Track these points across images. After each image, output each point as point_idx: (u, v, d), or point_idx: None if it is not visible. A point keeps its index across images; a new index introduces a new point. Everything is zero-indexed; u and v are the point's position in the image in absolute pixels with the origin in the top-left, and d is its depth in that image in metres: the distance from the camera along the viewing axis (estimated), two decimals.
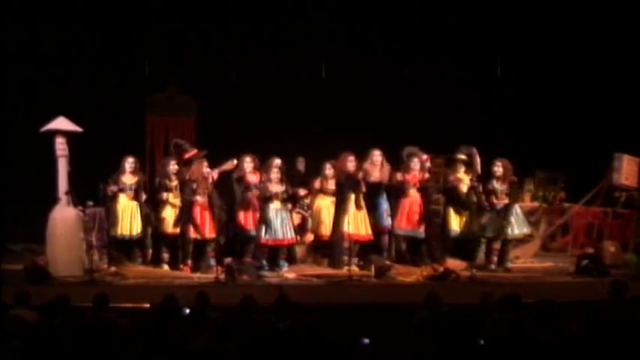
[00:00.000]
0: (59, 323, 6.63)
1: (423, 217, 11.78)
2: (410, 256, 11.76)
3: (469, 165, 11.91)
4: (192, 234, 11.45)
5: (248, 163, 11.69)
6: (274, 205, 11.56)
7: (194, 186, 11.44)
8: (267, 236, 11.51)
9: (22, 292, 7.75)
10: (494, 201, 11.70)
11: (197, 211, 11.48)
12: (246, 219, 11.69)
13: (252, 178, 11.69)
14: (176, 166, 11.71)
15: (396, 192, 11.81)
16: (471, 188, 11.81)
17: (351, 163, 11.71)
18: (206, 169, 11.47)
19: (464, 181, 11.82)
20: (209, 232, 11.50)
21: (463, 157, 11.90)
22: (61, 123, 11.46)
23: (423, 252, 11.79)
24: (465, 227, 11.82)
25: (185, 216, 11.48)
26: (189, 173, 11.57)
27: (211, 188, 11.52)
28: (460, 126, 14.08)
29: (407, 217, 11.76)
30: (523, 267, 12.02)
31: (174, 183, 11.67)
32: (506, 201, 11.69)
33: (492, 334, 6.27)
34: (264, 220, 11.51)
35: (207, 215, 11.52)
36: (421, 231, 11.79)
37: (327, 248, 12.05)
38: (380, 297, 10.18)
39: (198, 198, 11.45)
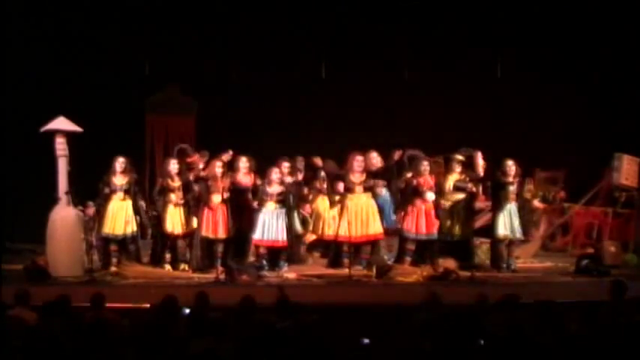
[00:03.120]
0: (59, 323, 6.63)
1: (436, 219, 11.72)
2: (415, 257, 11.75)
3: (466, 167, 11.86)
4: (204, 233, 11.45)
5: (244, 163, 11.67)
6: (270, 207, 11.54)
7: (209, 182, 11.42)
8: (260, 237, 11.49)
9: (22, 292, 7.75)
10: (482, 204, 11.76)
11: (209, 210, 11.47)
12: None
13: (246, 179, 11.66)
14: (177, 166, 11.71)
15: (405, 195, 11.75)
16: (460, 189, 11.79)
17: (357, 162, 11.69)
18: (219, 169, 11.45)
19: (453, 183, 11.77)
20: (221, 232, 11.48)
21: (460, 157, 11.86)
22: (61, 123, 11.46)
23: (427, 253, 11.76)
24: (459, 229, 11.82)
25: (197, 215, 11.52)
26: (196, 174, 11.56)
27: (227, 187, 11.49)
28: (460, 126, 14.09)
29: (424, 222, 11.60)
30: (523, 267, 12.01)
31: (177, 184, 11.67)
32: (514, 200, 11.64)
33: (492, 334, 6.27)
34: (258, 221, 11.49)
35: (219, 215, 11.50)
36: (435, 234, 11.67)
37: (326, 248, 12.09)
38: (380, 297, 10.16)
39: (213, 198, 11.44)
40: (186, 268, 11.55)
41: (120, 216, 11.56)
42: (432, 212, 11.63)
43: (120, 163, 11.61)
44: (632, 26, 14.08)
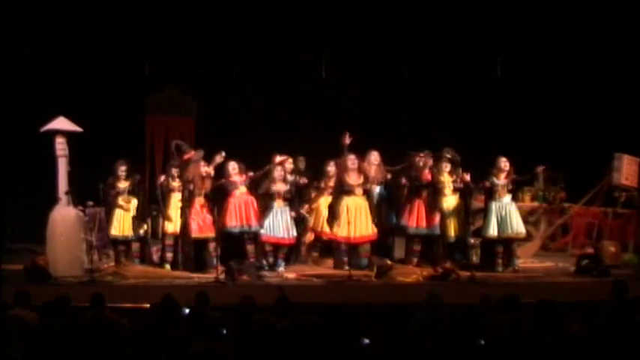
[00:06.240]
0: (59, 323, 6.63)
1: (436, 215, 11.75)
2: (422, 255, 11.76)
3: (454, 166, 11.85)
4: (193, 234, 11.45)
5: (233, 167, 11.67)
6: (277, 204, 11.56)
7: (191, 187, 11.44)
8: (267, 234, 11.50)
9: (22, 292, 7.75)
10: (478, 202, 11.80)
11: (196, 211, 11.46)
12: (230, 217, 11.69)
13: (237, 179, 11.70)
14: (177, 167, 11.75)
15: (410, 191, 11.81)
16: (455, 190, 11.79)
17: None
18: (204, 169, 11.47)
19: (446, 184, 11.78)
20: (209, 231, 11.47)
21: (449, 155, 11.85)
22: (61, 123, 11.47)
23: (434, 251, 11.77)
24: (457, 229, 11.80)
25: (184, 216, 11.51)
26: (186, 174, 11.58)
27: (209, 187, 11.51)
28: (460, 126, 14.09)
29: (423, 216, 11.70)
30: (523, 267, 12.00)
31: (177, 183, 11.69)
32: (507, 197, 11.62)
33: (492, 334, 6.27)
34: (265, 218, 11.51)
35: (206, 215, 11.49)
36: (437, 229, 11.72)
37: (325, 248, 12.10)
38: (380, 297, 10.18)
39: (197, 198, 11.45)
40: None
41: (126, 217, 11.60)
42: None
43: (121, 170, 11.69)
44: (632, 26, 14.07)
